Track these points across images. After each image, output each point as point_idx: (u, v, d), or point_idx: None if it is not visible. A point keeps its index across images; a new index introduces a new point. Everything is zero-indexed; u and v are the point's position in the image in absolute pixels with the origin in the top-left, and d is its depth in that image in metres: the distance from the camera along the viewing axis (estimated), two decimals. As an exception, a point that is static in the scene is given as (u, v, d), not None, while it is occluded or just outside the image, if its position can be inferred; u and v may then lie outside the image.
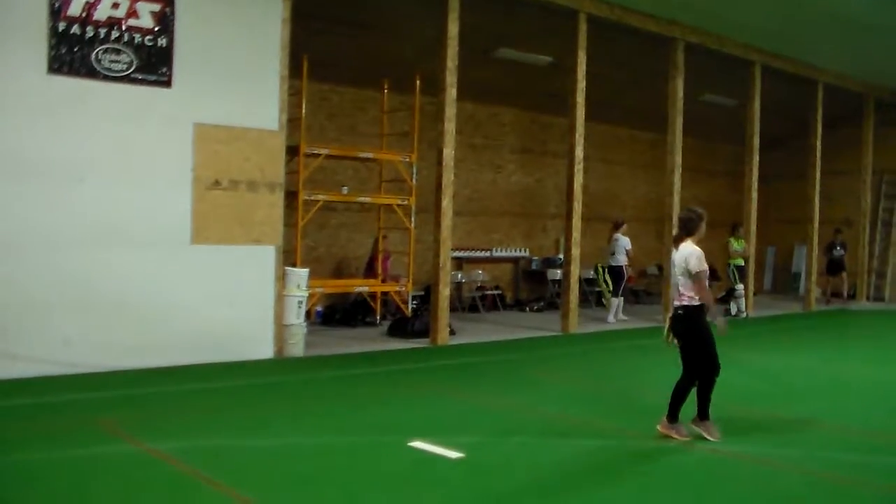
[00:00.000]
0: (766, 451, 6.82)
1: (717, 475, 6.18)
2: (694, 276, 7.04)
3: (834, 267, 20.84)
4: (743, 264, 17.96)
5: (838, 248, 20.73)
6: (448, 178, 12.49)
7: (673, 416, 7.14)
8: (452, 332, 13.00)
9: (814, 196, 20.16)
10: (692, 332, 7.12)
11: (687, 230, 7.28)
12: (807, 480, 6.13)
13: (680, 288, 7.19)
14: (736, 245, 17.86)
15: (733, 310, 17.96)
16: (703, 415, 7.14)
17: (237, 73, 10.48)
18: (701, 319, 7.13)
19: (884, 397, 9.35)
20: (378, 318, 14.67)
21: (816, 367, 11.51)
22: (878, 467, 6.50)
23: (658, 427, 7.17)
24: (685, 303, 7.13)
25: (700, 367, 7.12)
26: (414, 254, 14.55)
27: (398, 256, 15.69)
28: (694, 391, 7.15)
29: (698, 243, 7.25)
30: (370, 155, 14.16)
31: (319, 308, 14.63)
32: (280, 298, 10.94)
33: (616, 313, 16.64)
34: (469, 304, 17.39)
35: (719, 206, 23.49)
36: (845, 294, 21.04)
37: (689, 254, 7.11)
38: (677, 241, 7.36)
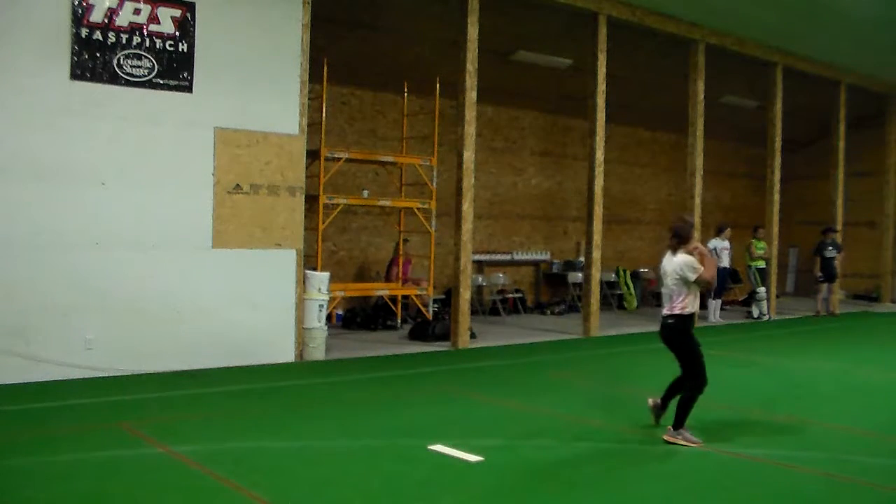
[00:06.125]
0: (789, 455, 6.76)
1: (738, 479, 6.13)
2: (692, 284, 7.08)
3: (831, 270, 18.54)
4: (765, 266, 17.82)
5: (830, 248, 18.55)
6: (468, 181, 12.48)
7: (679, 423, 7.03)
8: (473, 336, 12.99)
9: (837, 197, 20.00)
10: (681, 342, 7.17)
11: (680, 238, 7.26)
12: (830, 484, 6.07)
13: (672, 297, 7.19)
14: (757, 247, 17.72)
15: (755, 313, 17.85)
16: (679, 424, 7.03)
17: (257, 78, 10.53)
18: (689, 329, 7.18)
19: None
20: (399, 321, 14.69)
21: (840, 369, 11.39)
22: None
23: (664, 437, 7.07)
24: (676, 312, 7.15)
25: (689, 378, 7.15)
26: (435, 257, 14.56)
27: (419, 260, 15.70)
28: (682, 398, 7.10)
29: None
30: (390, 158, 14.19)
31: (340, 311, 14.68)
32: (301, 302, 10.97)
33: (714, 313, 17.18)
34: (490, 308, 17.37)
35: (741, 208, 23.47)
36: (836, 311, 19.19)
37: (682, 262, 7.11)
38: (673, 249, 7.31)
